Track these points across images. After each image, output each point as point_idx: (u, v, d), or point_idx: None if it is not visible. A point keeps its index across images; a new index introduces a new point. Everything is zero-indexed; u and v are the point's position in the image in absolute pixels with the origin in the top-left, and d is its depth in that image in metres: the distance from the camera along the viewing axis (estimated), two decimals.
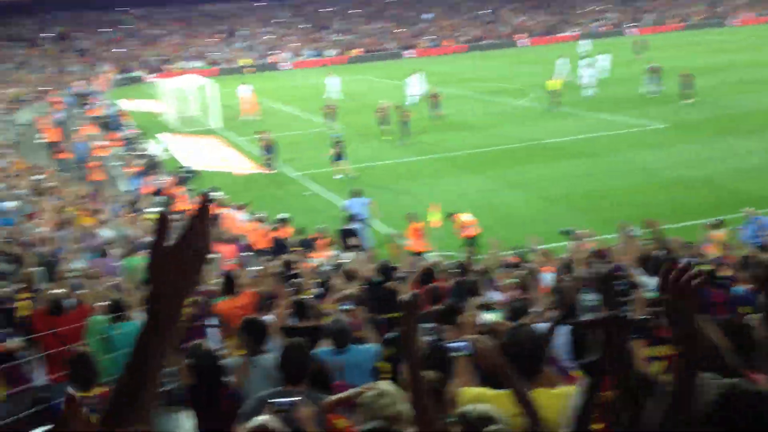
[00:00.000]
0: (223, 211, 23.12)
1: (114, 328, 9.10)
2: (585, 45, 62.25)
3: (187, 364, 6.34)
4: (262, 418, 3.99)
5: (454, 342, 4.09)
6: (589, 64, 46.48)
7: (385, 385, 4.50)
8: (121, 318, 9.19)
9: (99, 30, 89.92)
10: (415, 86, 47.31)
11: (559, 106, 39.93)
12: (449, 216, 20.03)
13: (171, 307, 1.85)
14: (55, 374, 8.13)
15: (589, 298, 6.14)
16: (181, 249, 1.81)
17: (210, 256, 1.84)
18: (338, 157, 29.25)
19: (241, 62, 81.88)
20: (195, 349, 6.48)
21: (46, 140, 37.11)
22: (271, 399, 4.56)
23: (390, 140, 34.88)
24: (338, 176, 28.96)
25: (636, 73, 47.46)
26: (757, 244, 14.94)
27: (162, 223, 1.83)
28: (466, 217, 19.80)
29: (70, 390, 4.51)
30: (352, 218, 20.45)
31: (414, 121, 36.24)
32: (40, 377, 8.75)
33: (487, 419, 3.54)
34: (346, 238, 19.35)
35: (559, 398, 4.42)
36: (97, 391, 6.07)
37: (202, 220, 1.84)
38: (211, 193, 25.36)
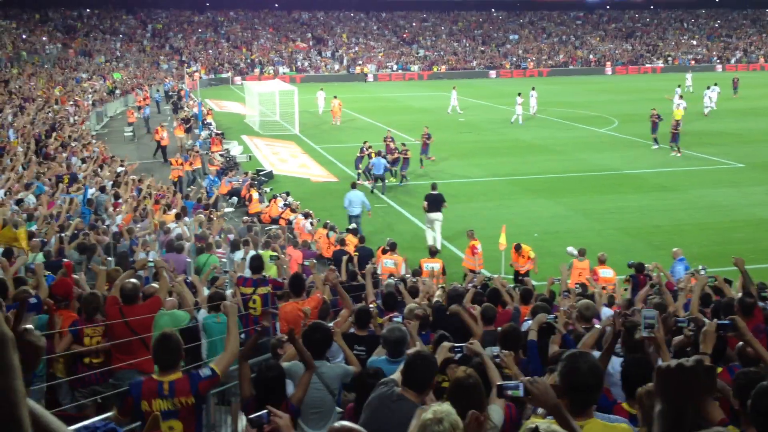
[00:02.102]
0: (297, 216, 23.58)
1: (213, 317, 9.88)
2: (689, 79, 62.28)
3: (253, 377, 6.45)
4: (346, 423, 3.99)
5: (509, 382, 4.14)
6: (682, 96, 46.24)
7: (444, 410, 4.48)
8: (217, 308, 9.77)
9: (193, 30, 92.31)
10: (528, 104, 49.30)
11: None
12: (518, 250, 19.39)
13: None
14: (122, 362, 8.40)
15: (649, 314, 6.13)
16: None
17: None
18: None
19: (366, 70, 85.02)
20: (261, 362, 6.59)
21: (154, 141, 37.17)
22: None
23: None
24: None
25: (723, 110, 46.85)
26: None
27: None
28: (530, 251, 19.22)
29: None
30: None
31: (496, 142, 35.88)
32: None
33: None
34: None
35: None
36: (173, 377, 6.22)
37: None
38: (288, 199, 25.90)
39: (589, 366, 4.59)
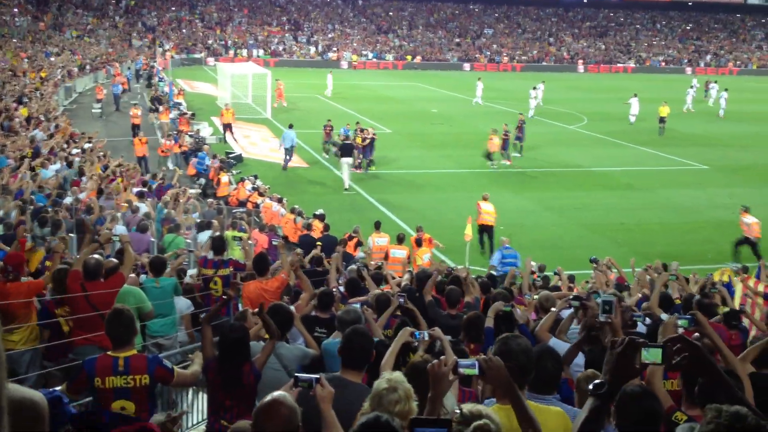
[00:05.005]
0: (265, 200, 23.47)
1: (152, 281, 10.06)
2: (695, 82, 62.30)
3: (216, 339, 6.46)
4: (277, 393, 3.92)
5: (464, 360, 4.14)
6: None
7: (397, 378, 4.49)
8: (157, 272, 10.18)
9: (167, 8, 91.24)
10: (537, 99, 49.95)
11: (664, 131, 41.76)
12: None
13: None
14: (83, 336, 8.37)
15: (607, 300, 6.27)
16: None
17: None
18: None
19: (354, 58, 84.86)
20: (225, 322, 6.61)
21: (131, 122, 35.76)
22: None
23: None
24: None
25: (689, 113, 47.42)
26: (503, 270, 15.69)
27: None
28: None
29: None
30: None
31: (467, 134, 35.93)
32: None
33: (478, 416, 3.76)
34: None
35: (556, 417, 4.59)
36: (128, 353, 6.21)
37: None
38: (257, 182, 25.80)
39: (521, 347, 4.72)
